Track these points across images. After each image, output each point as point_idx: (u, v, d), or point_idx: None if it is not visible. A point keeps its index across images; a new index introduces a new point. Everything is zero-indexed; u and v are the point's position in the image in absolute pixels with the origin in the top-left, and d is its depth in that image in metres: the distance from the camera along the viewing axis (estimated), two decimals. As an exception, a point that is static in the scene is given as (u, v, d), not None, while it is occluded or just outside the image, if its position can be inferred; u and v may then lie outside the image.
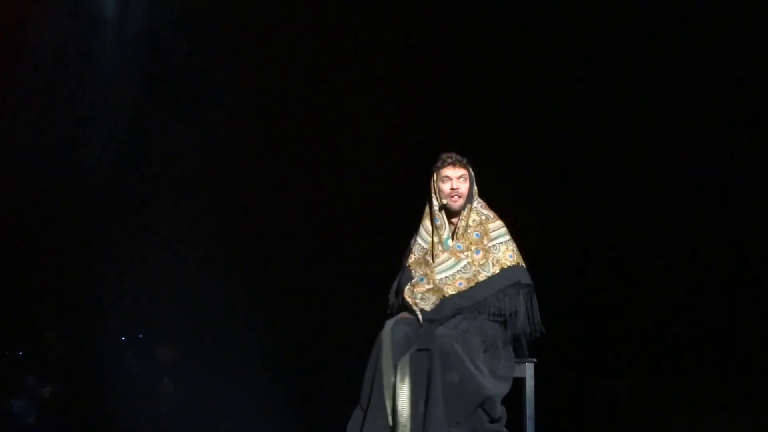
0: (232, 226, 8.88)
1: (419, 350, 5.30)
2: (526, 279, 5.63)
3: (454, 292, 5.55)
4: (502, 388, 5.47)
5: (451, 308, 5.51)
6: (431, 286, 5.58)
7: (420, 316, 5.49)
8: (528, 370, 5.75)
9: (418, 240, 5.74)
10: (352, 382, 7.71)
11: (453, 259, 5.60)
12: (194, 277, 8.55)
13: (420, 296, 5.57)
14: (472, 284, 5.56)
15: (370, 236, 8.41)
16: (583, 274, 8.49)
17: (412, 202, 5.92)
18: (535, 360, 5.76)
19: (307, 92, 8.81)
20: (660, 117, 8.20)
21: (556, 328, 5.80)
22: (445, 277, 5.58)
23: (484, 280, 5.55)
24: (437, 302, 5.54)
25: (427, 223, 5.74)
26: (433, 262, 5.61)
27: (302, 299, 8.87)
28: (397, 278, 5.78)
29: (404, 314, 5.56)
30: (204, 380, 8.67)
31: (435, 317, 5.48)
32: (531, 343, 5.70)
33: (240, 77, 8.78)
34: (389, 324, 5.44)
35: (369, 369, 5.42)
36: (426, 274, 5.63)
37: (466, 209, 5.64)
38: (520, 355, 5.70)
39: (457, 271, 5.59)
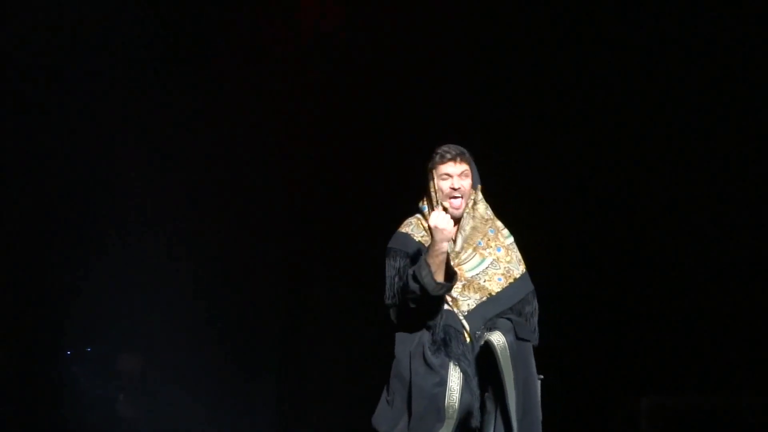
0: (205, 225, 8.48)
1: (519, 339, 5.10)
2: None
3: (499, 289, 5.26)
4: None
5: (497, 307, 5.20)
6: (464, 282, 5.24)
7: (466, 325, 5.18)
8: (533, 390, 5.35)
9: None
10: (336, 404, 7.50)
11: (478, 256, 5.31)
12: (158, 280, 8.24)
13: (457, 295, 5.22)
14: (511, 280, 5.30)
15: (354, 247, 8.14)
16: (595, 275, 8.17)
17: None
18: (542, 377, 5.34)
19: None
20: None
21: (565, 339, 5.34)
22: (478, 273, 5.28)
23: (520, 277, 5.31)
24: (483, 299, 5.23)
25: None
26: (456, 258, 5.27)
27: (285, 305, 8.60)
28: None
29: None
30: (170, 401, 8.24)
31: (484, 315, 5.18)
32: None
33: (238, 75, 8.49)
34: (454, 389, 5.08)
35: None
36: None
37: (470, 204, 5.32)
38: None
39: (488, 267, 5.30)
